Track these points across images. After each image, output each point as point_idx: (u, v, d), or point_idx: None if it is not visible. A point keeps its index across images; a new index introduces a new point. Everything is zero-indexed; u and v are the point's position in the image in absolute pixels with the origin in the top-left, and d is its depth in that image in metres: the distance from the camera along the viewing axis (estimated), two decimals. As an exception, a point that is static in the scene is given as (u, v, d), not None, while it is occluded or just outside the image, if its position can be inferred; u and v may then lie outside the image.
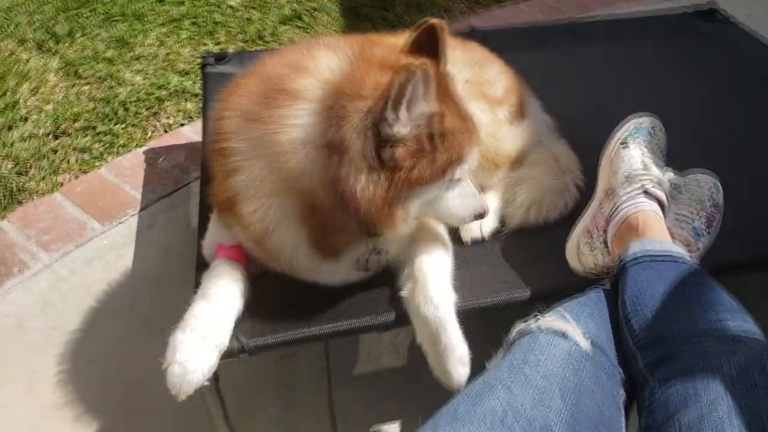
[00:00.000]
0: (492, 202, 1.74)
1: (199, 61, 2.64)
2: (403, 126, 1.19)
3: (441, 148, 1.26)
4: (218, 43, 3.23)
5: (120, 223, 2.33)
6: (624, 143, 1.62)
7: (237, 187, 1.33)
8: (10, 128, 2.75)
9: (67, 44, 3.23)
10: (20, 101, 2.89)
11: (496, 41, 2.12)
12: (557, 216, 1.77)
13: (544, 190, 1.78)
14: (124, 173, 2.52)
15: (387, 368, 1.88)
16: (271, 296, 1.50)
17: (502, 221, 1.76)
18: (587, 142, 1.94)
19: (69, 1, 3.53)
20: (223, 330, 1.39)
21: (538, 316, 1.23)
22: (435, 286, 1.44)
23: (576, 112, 2.13)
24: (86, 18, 3.42)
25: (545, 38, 2.62)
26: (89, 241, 2.25)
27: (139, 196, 2.43)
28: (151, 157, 2.60)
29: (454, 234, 1.67)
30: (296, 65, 1.32)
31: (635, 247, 1.34)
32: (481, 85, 1.76)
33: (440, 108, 1.23)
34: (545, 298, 1.53)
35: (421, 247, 1.51)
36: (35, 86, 2.98)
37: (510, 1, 3.67)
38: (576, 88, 2.31)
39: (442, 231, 1.61)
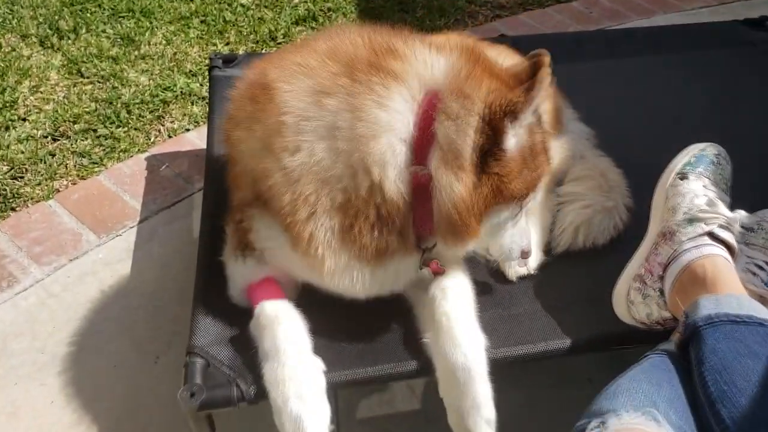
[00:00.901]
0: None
1: (207, 62, 2.48)
2: (524, 133, 1.19)
3: (533, 165, 1.24)
4: (228, 43, 3.07)
5: (117, 235, 2.17)
6: (682, 175, 1.43)
7: (289, 168, 1.19)
8: (7, 128, 2.61)
9: (70, 40, 3.09)
10: (19, 100, 2.75)
11: (527, 49, 1.95)
12: (607, 239, 1.61)
13: (593, 209, 1.62)
14: (124, 181, 2.37)
15: (401, 412, 1.70)
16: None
17: (547, 246, 1.60)
18: (630, 160, 1.78)
19: (75, -5, 3.38)
20: (316, 372, 1.25)
21: (620, 414, 0.98)
22: (462, 329, 1.28)
23: (616, 127, 1.96)
24: (92, 13, 3.27)
25: (580, 47, 2.44)
26: (84, 255, 2.10)
27: (138, 207, 2.27)
28: (154, 164, 2.44)
29: (493, 272, 1.53)
30: (386, 47, 1.21)
31: (708, 305, 1.14)
32: None
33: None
34: (588, 350, 1.37)
35: (441, 282, 1.36)
36: (36, 84, 2.83)
37: (537, 7, 3.48)
38: (615, 101, 2.13)
39: (462, 263, 1.45)
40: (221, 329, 1.39)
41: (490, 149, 1.17)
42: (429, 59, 1.21)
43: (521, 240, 1.35)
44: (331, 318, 1.35)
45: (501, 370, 1.27)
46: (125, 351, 1.83)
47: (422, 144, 1.16)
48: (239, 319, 1.37)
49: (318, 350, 1.29)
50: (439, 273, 1.35)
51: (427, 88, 1.18)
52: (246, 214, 1.35)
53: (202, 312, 1.41)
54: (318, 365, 1.26)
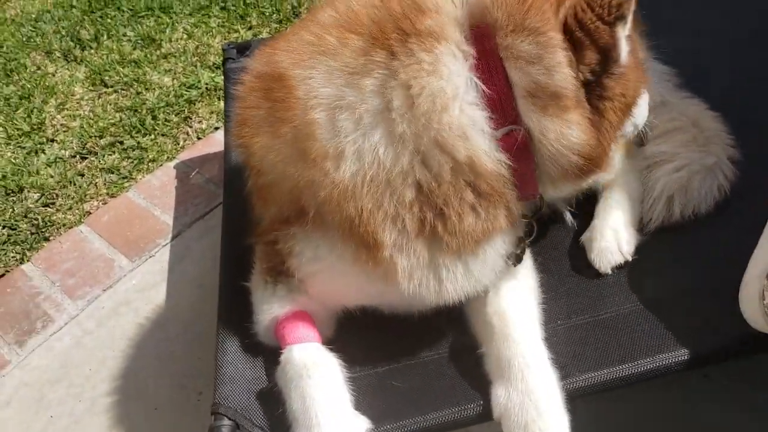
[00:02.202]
0: (617, 213, 1.28)
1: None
2: (624, 50, 1.01)
3: (635, 62, 1.07)
4: (250, 28, 2.84)
5: (150, 256, 2.01)
6: None
7: (338, 181, 0.98)
8: (36, 152, 2.50)
9: (93, 50, 2.94)
10: (47, 120, 2.63)
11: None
12: (711, 206, 1.29)
13: (689, 170, 1.30)
14: (154, 194, 2.20)
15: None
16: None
17: (639, 223, 1.30)
18: (725, 100, 1.43)
19: (94, 2, 3.24)
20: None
21: None
22: (520, 342, 1.07)
23: (699, 58, 1.59)
24: (112, 18, 3.11)
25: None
26: (117, 283, 1.95)
27: (170, 221, 2.10)
28: (183, 171, 2.26)
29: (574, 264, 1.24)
30: (409, 3, 1.01)
31: None
32: None
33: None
34: (713, 361, 1.06)
35: (502, 290, 1.14)
36: (62, 101, 2.71)
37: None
38: (692, 27, 1.73)
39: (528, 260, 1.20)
40: (250, 378, 1.18)
41: (602, 71, 1.00)
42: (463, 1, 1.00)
43: (644, 105, 1.17)
44: (375, 355, 1.12)
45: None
46: (166, 390, 1.66)
47: (502, 100, 0.98)
48: (272, 362, 1.15)
49: (362, 399, 1.06)
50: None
51: (475, 36, 0.99)
52: (283, 234, 1.12)
53: (226, 359, 1.21)
54: (360, 426, 1.03)
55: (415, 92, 0.96)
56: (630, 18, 0.99)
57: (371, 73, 0.97)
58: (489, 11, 0.99)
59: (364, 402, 1.08)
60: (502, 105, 0.99)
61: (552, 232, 1.35)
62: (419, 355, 1.17)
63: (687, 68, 1.54)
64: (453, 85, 0.97)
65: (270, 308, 1.16)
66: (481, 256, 1.05)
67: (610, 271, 1.24)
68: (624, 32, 0.99)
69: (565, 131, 0.99)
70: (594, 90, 1.01)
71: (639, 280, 1.21)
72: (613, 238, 1.25)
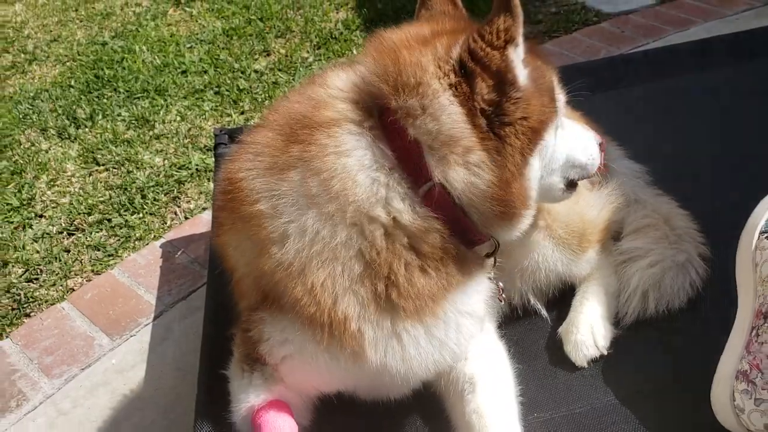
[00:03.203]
0: (593, 306, 1.31)
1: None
2: (521, 73, 1.01)
3: (544, 85, 1.07)
4: (242, 112, 2.94)
5: (131, 336, 2.00)
6: None
7: (286, 258, 1.03)
8: (24, 227, 2.52)
9: (87, 128, 3.03)
10: (37, 196, 2.67)
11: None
12: (683, 301, 1.35)
13: (662, 266, 1.37)
14: (138, 273, 2.21)
15: None
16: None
17: (614, 319, 1.35)
18: (695, 198, 1.51)
19: (92, 83, 3.36)
20: None
21: None
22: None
23: (670, 159, 1.69)
24: (108, 98, 3.22)
25: (614, 71, 2.18)
26: (96, 362, 1.93)
27: (153, 301, 2.10)
28: (169, 251, 2.28)
29: (551, 357, 1.26)
30: (308, 102, 1.08)
31: None
32: None
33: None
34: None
35: (468, 368, 1.17)
36: (52, 178, 2.76)
37: (564, 33, 3.25)
38: (665, 130, 1.86)
39: (495, 339, 1.23)
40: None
41: (500, 97, 1.00)
42: (346, 83, 1.08)
43: (587, 137, 1.18)
44: None
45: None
46: (139, 476, 1.62)
47: (410, 160, 1.01)
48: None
49: None
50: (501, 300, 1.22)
51: (368, 111, 1.05)
52: (253, 320, 1.15)
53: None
54: None
55: (327, 176, 1.02)
56: (521, 41, 1.00)
57: (294, 166, 1.05)
58: (374, 84, 1.04)
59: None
60: (412, 165, 1.01)
61: (529, 326, 1.39)
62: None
63: (658, 167, 1.63)
64: (356, 158, 1.02)
65: (247, 397, 1.17)
66: (441, 315, 1.06)
67: (585, 365, 1.28)
68: (517, 55, 1.01)
69: (471, 179, 1.01)
70: (494, 118, 1.01)
71: (614, 374, 1.25)
72: (588, 331, 1.29)
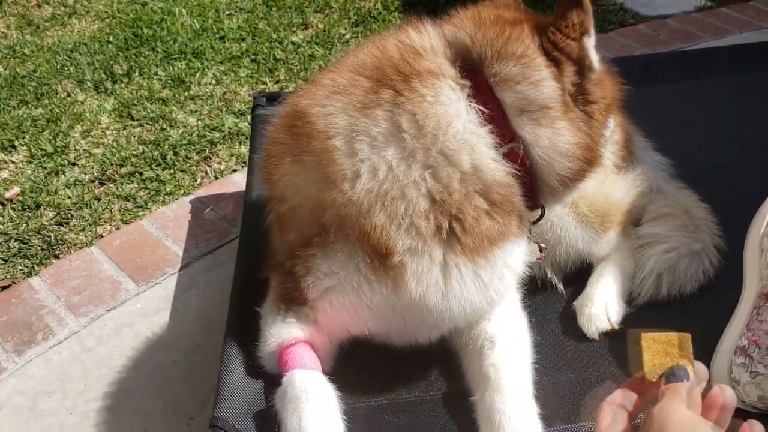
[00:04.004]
0: (608, 284, 1.38)
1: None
2: (595, 58, 1.17)
3: (608, 70, 1.25)
4: (277, 82, 3.00)
5: (157, 283, 2.07)
6: None
7: (356, 199, 1.10)
8: (57, 173, 2.59)
9: (123, 84, 3.09)
10: (71, 144, 2.74)
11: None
12: (695, 287, 1.40)
13: (678, 252, 1.42)
14: (167, 225, 2.28)
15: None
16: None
17: (628, 299, 1.40)
18: (716, 193, 1.56)
19: (130, 40, 3.41)
20: None
21: None
22: (513, 385, 1.15)
23: (695, 155, 1.73)
24: (145, 57, 3.28)
25: (649, 69, 2.21)
26: (122, 305, 2.00)
27: (180, 252, 2.17)
28: (198, 207, 2.35)
29: (565, 328, 1.33)
30: (403, 51, 1.17)
31: None
32: None
33: None
34: None
35: (489, 328, 1.24)
36: (87, 128, 2.82)
37: (600, 32, 3.27)
38: (693, 127, 1.89)
39: (518, 307, 1.30)
40: (250, 398, 1.23)
41: (582, 80, 1.16)
42: (440, 41, 1.18)
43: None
44: (370, 391, 1.19)
45: None
46: (158, 412, 1.69)
47: (499, 120, 1.12)
48: (270, 385, 1.21)
49: (354, 429, 1.12)
50: (540, 260, 1.33)
51: (465, 70, 1.15)
52: (301, 255, 1.19)
53: (229, 376, 1.26)
54: None
55: (421, 118, 1.10)
56: (593, 32, 1.15)
57: (382, 106, 1.12)
58: (472, 48, 1.15)
59: (355, 431, 1.13)
60: (500, 124, 1.12)
61: (545, 298, 1.44)
62: (413, 395, 1.23)
63: (683, 161, 1.68)
64: (455, 108, 1.12)
65: (279, 333, 1.22)
66: (491, 260, 1.14)
67: (597, 337, 1.33)
68: (591, 43, 1.15)
69: (556, 139, 1.13)
70: (579, 98, 1.16)
71: (623, 347, 1.29)
72: (602, 306, 1.34)
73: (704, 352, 1.21)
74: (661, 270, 1.40)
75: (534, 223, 1.25)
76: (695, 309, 1.36)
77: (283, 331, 1.21)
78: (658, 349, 0.80)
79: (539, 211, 1.24)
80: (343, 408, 1.15)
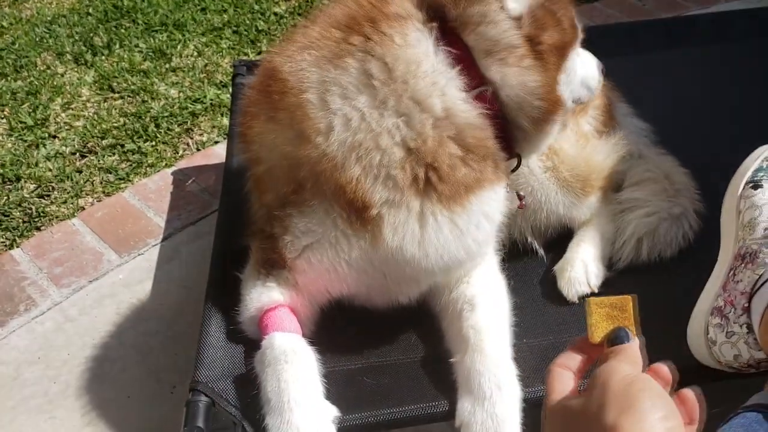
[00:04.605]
0: (588, 248, 1.40)
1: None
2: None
3: (557, 18, 1.18)
4: (259, 53, 2.96)
5: (139, 254, 2.06)
6: (755, 183, 1.20)
7: (330, 152, 1.10)
8: (37, 146, 2.57)
9: (104, 56, 3.04)
10: (51, 117, 2.70)
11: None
12: (674, 250, 1.42)
13: (658, 217, 1.43)
14: (149, 197, 2.27)
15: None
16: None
17: (608, 261, 1.42)
18: (696, 159, 1.57)
19: (110, 12, 3.36)
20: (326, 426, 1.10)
21: None
22: (493, 345, 1.16)
23: (677, 122, 1.74)
24: (126, 29, 3.23)
25: (632, 37, 2.21)
26: (104, 276, 2.00)
27: (162, 224, 2.16)
28: (180, 178, 2.34)
29: (545, 291, 1.35)
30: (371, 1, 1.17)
31: None
32: None
33: None
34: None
35: (469, 291, 1.24)
36: (67, 101, 2.79)
37: (584, 2, 3.25)
38: (674, 95, 1.90)
39: (497, 270, 1.30)
40: (230, 362, 1.24)
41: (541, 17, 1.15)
42: None
43: (593, 64, 1.31)
44: (350, 354, 1.21)
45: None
46: (141, 380, 1.70)
47: (465, 62, 1.12)
48: (251, 350, 1.21)
49: (333, 391, 1.13)
50: (522, 208, 1.33)
51: (430, 13, 1.15)
52: (279, 217, 1.19)
53: (209, 341, 1.27)
54: (329, 415, 1.10)
55: (390, 62, 1.10)
56: None
57: (352, 54, 1.11)
58: None
59: (334, 393, 1.14)
60: (467, 66, 1.12)
61: (526, 262, 1.46)
62: (392, 358, 1.24)
63: (664, 128, 1.69)
64: (423, 49, 1.11)
65: (259, 298, 1.23)
66: (467, 207, 1.14)
67: (576, 300, 1.34)
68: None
69: (525, 78, 1.13)
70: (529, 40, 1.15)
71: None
72: (582, 269, 1.36)
73: (684, 315, 1.23)
74: (642, 234, 1.41)
75: (512, 172, 1.25)
76: (675, 273, 1.38)
77: (263, 296, 1.22)
78: (602, 312, 0.81)
79: (515, 161, 1.24)
80: (323, 371, 1.16)
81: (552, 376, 0.79)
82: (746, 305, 1.09)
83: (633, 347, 0.78)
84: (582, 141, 1.42)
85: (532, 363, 1.21)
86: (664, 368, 0.77)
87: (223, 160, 2.36)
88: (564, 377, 0.78)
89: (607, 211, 1.47)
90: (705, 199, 1.49)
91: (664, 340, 1.20)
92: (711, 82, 1.99)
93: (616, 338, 0.79)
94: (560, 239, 1.48)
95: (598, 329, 0.81)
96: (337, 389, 1.15)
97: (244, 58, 2.93)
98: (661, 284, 1.34)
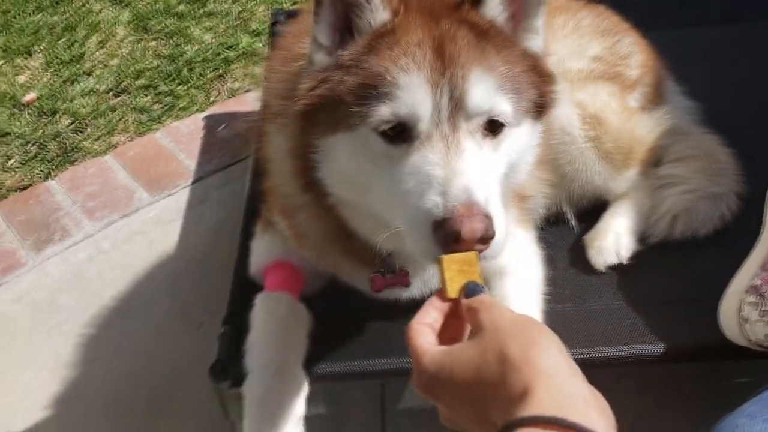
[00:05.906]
0: (622, 220, 1.38)
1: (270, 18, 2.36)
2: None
3: None
4: (294, 2, 2.95)
5: (170, 195, 2.11)
6: None
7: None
8: (73, 82, 2.60)
9: (140, -4, 3.04)
10: (86, 54, 2.73)
11: (621, 12, 1.71)
12: (710, 230, 1.38)
13: (697, 195, 1.39)
14: (181, 140, 2.30)
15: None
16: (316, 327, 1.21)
17: (641, 234, 1.40)
18: (742, 141, 1.50)
19: (147, -49, 3.33)
20: (296, 396, 1.12)
21: None
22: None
23: (726, 103, 1.67)
24: (162, -31, 3.21)
25: (685, 9, 2.12)
26: (135, 213, 2.05)
27: (193, 167, 2.20)
28: (212, 124, 2.36)
29: (573, 260, 1.36)
30: None
31: None
32: (614, 63, 1.40)
33: None
34: (677, 359, 1.18)
35: (500, 262, 1.20)
36: (103, 39, 2.80)
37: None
38: (725, 75, 1.81)
39: (533, 243, 1.30)
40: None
41: None
42: None
43: None
44: (354, 313, 1.24)
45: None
46: (169, 315, 1.77)
47: None
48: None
49: (326, 343, 1.19)
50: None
51: None
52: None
53: (242, 280, 1.31)
54: (301, 384, 1.12)
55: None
56: None
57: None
58: None
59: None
60: None
61: (558, 231, 1.46)
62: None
63: (712, 108, 1.61)
64: None
65: (262, 253, 1.28)
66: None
67: (603, 269, 1.34)
68: None
69: None
70: None
71: (629, 282, 1.32)
72: (613, 240, 1.35)
73: (713, 294, 1.23)
74: (678, 211, 1.38)
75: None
76: (708, 253, 1.35)
77: (267, 248, 1.26)
78: (455, 268, 0.82)
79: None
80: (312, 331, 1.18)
81: (413, 334, 0.78)
82: (784, 286, 1.11)
83: (490, 297, 0.80)
84: (626, 114, 1.40)
85: (558, 328, 1.20)
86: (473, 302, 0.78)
87: (255, 109, 2.40)
88: (425, 333, 0.79)
89: (646, 186, 1.44)
90: (748, 181, 1.44)
91: (693, 315, 1.23)
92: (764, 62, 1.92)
93: (471, 291, 0.80)
94: (592, 211, 1.47)
95: (453, 283, 0.81)
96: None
97: (281, 7, 2.92)
98: (692, 264, 1.33)
